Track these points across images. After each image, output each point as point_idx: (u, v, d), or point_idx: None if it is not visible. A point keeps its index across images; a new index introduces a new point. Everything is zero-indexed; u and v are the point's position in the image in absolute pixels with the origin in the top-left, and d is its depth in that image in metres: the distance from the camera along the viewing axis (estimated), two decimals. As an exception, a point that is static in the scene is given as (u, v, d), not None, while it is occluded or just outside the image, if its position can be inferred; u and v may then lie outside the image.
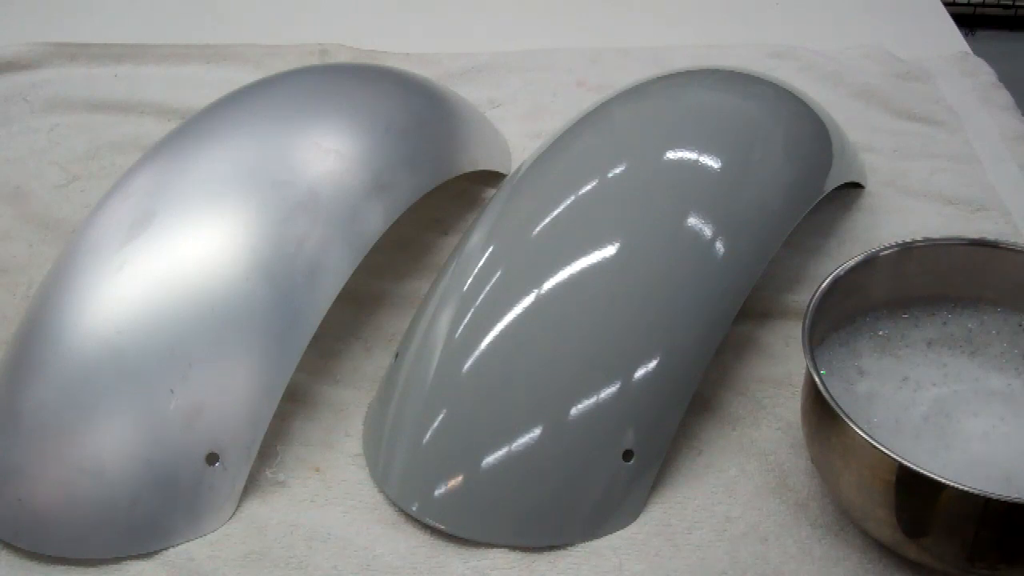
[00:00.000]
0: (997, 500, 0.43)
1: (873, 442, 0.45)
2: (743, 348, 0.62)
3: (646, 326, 0.54)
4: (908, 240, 0.56)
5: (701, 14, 1.00)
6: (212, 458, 0.52)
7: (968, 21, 1.72)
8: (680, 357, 0.54)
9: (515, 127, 0.80)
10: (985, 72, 0.87)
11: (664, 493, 0.54)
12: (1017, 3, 1.88)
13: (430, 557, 0.51)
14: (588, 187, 0.59)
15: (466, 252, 0.59)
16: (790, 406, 0.57)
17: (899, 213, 0.71)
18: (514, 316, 0.54)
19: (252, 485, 0.54)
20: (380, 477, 0.55)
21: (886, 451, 0.45)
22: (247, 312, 0.54)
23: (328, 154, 0.61)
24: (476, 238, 0.60)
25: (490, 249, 0.58)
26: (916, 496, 0.46)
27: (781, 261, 0.64)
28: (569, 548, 0.51)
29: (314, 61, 0.87)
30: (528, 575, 0.50)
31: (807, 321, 0.51)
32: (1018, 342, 0.54)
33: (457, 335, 0.55)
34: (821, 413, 0.49)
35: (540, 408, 0.52)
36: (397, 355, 0.59)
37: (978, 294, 0.56)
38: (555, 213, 0.58)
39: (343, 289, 0.57)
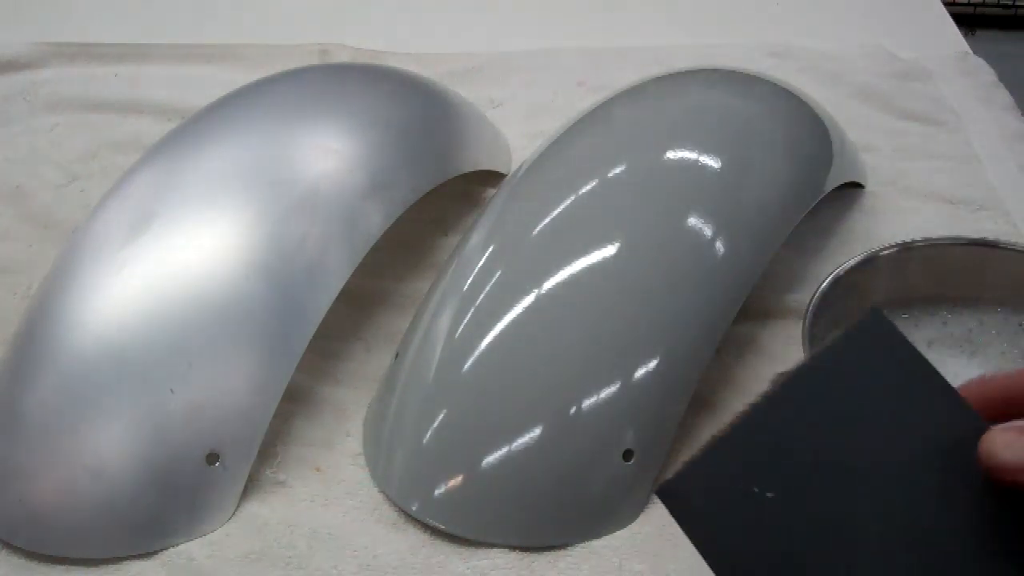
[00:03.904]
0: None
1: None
2: (743, 348, 0.62)
3: (646, 326, 0.54)
4: (908, 240, 0.56)
5: (701, 14, 1.00)
6: (212, 458, 0.52)
7: (968, 21, 1.73)
8: (680, 357, 0.54)
9: (515, 127, 0.80)
10: (985, 72, 0.87)
11: (664, 493, 0.54)
12: (1017, 3, 1.88)
13: (430, 557, 0.51)
14: (588, 187, 0.59)
15: (466, 252, 0.59)
16: (790, 406, 0.57)
17: (899, 213, 0.71)
18: (514, 316, 0.54)
19: (252, 485, 0.54)
20: (380, 477, 0.55)
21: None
22: (247, 312, 0.54)
23: (328, 154, 0.61)
24: (476, 238, 0.60)
25: (490, 249, 0.58)
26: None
27: (781, 261, 0.64)
28: (569, 548, 0.51)
29: (314, 61, 0.87)
30: (528, 575, 0.50)
31: (807, 321, 0.51)
32: (1018, 342, 0.54)
33: (457, 335, 0.55)
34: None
35: (540, 408, 0.52)
36: (397, 355, 0.59)
37: (978, 294, 0.56)
38: (555, 213, 0.58)
39: (343, 289, 0.57)
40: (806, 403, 0.32)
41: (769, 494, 0.32)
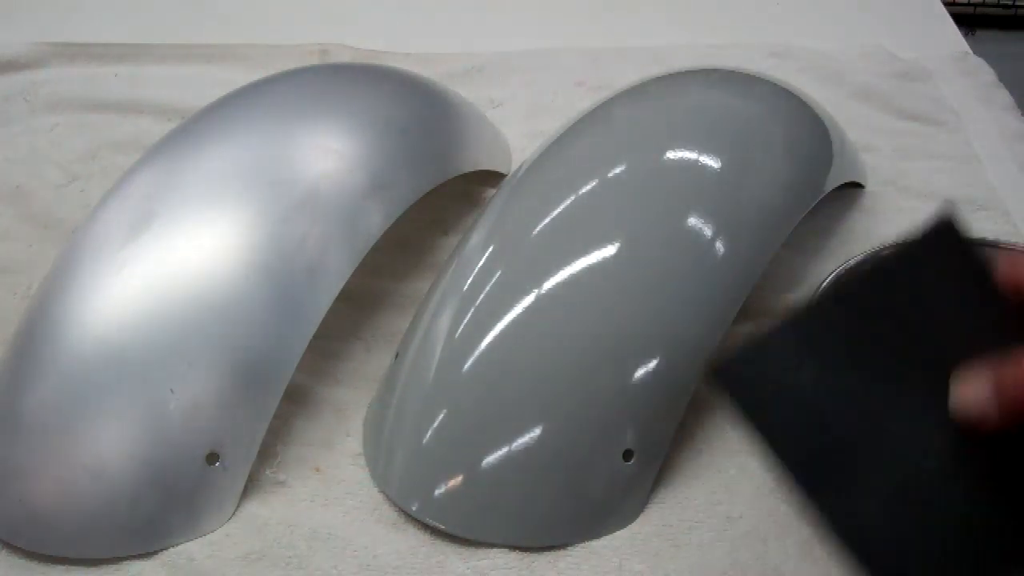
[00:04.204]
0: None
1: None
2: (743, 348, 0.61)
3: (646, 326, 0.54)
4: (908, 240, 0.56)
5: (701, 14, 1.00)
6: (212, 458, 0.52)
7: (968, 21, 1.73)
8: (680, 357, 0.54)
9: (515, 127, 0.80)
10: (985, 72, 0.87)
11: (664, 493, 0.54)
12: (1017, 3, 1.88)
13: (430, 557, 0.51)
14: (588, 187, 0.59)
15: (466, 252, 0.59)
16: (790, 406, 0.57)
17: (899, 213, 0.71)
18: (514, 316, 0.54)
19: (252, 485, 0.54)
20: (380, 477, 0.55)
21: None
22: (247, 312, 0.54)
23: (328, 154, 0.61)
24: (476, 238, 0.60)
25: (490, 249, 0.58)
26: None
27: (781, 261, 0.64)
28: (569, 548, 0.51)
29: (314, 61, 0.87)
30: (528, 575, 0.50)
31: (807, 321, 0.51)
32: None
33: (457, 335, 0.55)
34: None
35: (540, 408, 0.52)
36: (397, 355, 0.59)
37: (978, 294, 0.56)
38: (555, 213, 0.58)
39: (343, 289, 0.57)
40: (866, 298, 0.33)
41: (820, 378, 0.33)
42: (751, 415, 0.35)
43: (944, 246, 0.34)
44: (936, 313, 0.33)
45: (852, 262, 0.54)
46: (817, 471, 0.33)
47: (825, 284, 0.52)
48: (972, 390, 0.32)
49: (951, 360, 0.33)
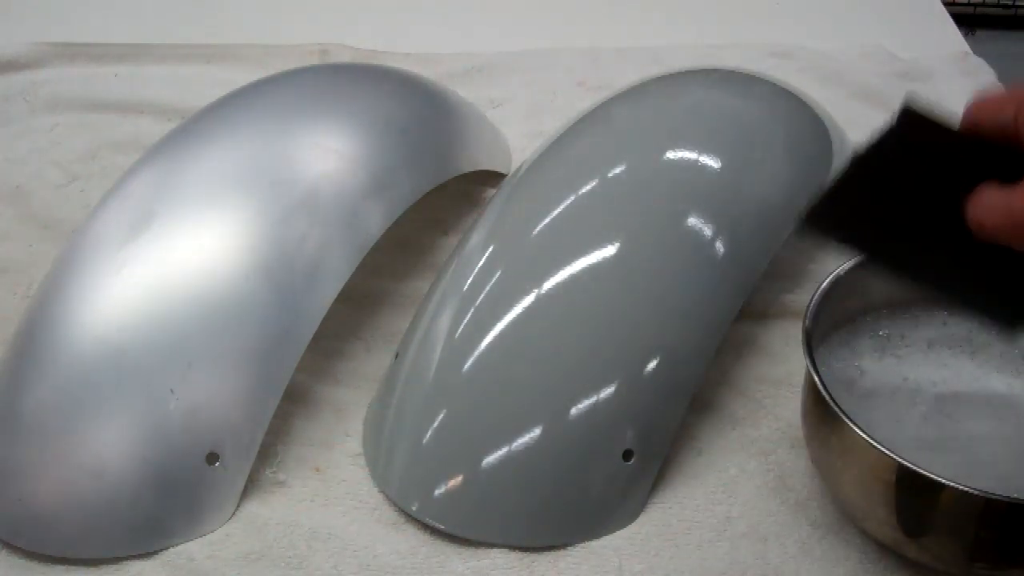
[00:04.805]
0: (997, 500, 0.43)
1: (873, 442, 0.45)
2: (743, 348, 0.62)
3: (646, 326, 0.54)
4: (908, 240, 0.56)
5: (701, 14, 1.00)
6: (212, 458, 0.52)
7: (968, 21, 1.72)
8: (681, 357, 0.54)
9: (515, 127, 0.80)
10: (985, 72, 0.87)
11: (664, 493, 0.54)
12: (1017, 3, 1.88)
13: (430, 557, 0.51)
14: (588, 187, 0.59)
15: (466, 252, 0.59)
16: (790, 406, 0.57)
17: (899, 213, 0.71)
18: (514, 316, 0.54)
19: (252, 485, 0.54)
20: (380, 477, 0.55)
21: (886, 451, 0.45)
22: (247, 312, 0.54)
23: (328, 154, 0.61)
24: (476, 238, 0.60)
25: (490, 249, 0.58)
26: (916, 496, 0.46)
27: (781, 261, 0.64)
28: (569, 548, 0.51)
29: (314, 61, 0.87)
30: (528, 575, 0.50)
31: (807, 321, 0.51)
32: (1018, 342, 0.54)
33: (457, 335, 0.55)
34: (821, 413, 0.49)
35: (540, 408, 0.52)
36: (397, 355, 0.59)
37: (978, 294, 0.56)
38: (555, 213, 0.58)
39: (343, 289, 0.57)
40: (883, 160, 0.44)
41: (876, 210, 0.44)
42: (837, 239, 0.47)
43: (916, 123, 0.43)
44: (935, 160, 0.43)
45: (852, 262, 0.54)
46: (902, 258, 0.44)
47: (825, 284, 0.53)
48: (984, 207, 0.39)
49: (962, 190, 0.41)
